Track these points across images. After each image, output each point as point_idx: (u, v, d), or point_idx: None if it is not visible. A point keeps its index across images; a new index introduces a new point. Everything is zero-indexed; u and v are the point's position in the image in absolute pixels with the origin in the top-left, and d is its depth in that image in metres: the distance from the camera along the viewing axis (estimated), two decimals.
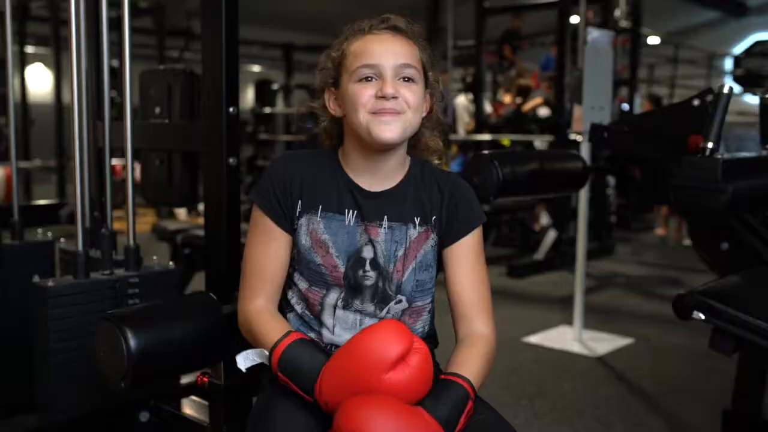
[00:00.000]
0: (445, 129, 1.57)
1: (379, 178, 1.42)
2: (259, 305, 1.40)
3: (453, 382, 1.29)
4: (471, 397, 1.29)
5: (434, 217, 1.43)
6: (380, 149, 1.37)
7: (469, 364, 1.34)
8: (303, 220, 1.40)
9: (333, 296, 1.40)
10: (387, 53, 1.35)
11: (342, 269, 1.39)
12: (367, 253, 1.39)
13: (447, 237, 1.43)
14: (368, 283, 1.39)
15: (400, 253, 1.40)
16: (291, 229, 1.41)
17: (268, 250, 1.42)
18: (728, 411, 2.61)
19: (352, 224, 1.40)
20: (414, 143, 1.48)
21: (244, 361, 1.37)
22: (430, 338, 1.49)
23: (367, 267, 1.39)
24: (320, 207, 1.40)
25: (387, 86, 1.33)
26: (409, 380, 1.20)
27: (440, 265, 1.46)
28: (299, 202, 1.41)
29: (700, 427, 2.94)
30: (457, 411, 1.26)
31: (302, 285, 1.42)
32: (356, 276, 1.39)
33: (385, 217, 1.40)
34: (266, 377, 1.43)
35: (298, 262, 1.42)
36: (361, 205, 1.40)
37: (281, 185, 1.41)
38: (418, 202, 1.43)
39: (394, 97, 1.33)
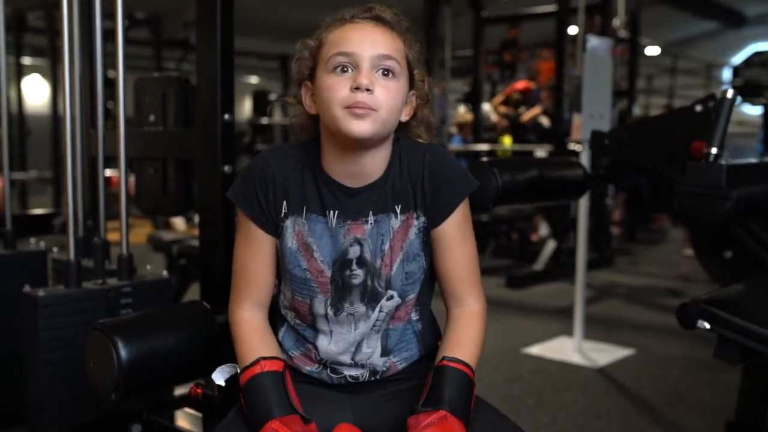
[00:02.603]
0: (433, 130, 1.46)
1: (361, 176, 1.31)
2: (244, 315, 1.35)
3: (460, 372, 1.27)
4: (474, 384, 1.28)
5: (418, 201, 1.32)
6: (355, 146, 1.26)
7: (468, 347, 1.31)
8: (288, 222, 1.32)
9: (320, 303, 1.32)
10: (365, 42, 1.24)
11: (328, 274, 1.31)
12: (354, 252, 1.31)
13: (433, 218, 1.33)
14: (356, 281, 1.31)
15: (386, 246, 1.31)
16: (275, 232, 1.33)
17: (252, 252, 1.34)
18: (732, 422, 2.58)
19: (334, 226, 1.31)
20: None
21: (221, 375, 1.35)
22: (427, 324, 1.42)
23: (354, 266, 1.31)
24: (305, 208, 1.31)
25: (362, 76, 1.21)
26: None
27: (429, 248, 1.37)
28: (284, 203, 1.31)
29: None
30: (468, 402, 1.25)
31: (288, 294, 1.36)
32: (344, 277, 1.31)
33: (370, 212, 1.31)
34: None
35: (282, 268, 1.35)
36: (343, 204, 1.31)
37: (263, 185, 1.31)
38: (400, 189, 1.32)
39: (368, 90, 1.21)
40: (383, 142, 1.29)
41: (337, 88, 1.22)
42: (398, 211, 1.32)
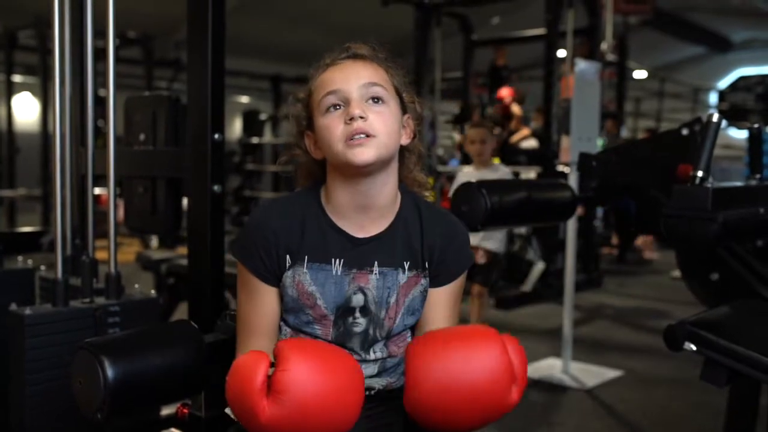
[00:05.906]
0: (426, 161, 1.51)
1: (368, 221, 1.35)
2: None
3: None
4: None
5: (427, 262, 1.38)
6: (362, 175, 1.30)
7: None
8: (289, 273, 1.34)
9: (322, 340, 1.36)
10: (349, 76, 1.31)
11: (331, 318, 1.35)
12: (357, 301, 1.35)
13: (435, 280, 1.39)
14: (358, 330, 1.36)
15: (392, 299, 1.35)
16: (277, 283, 1.36)
17: (256, 307, 1.37)
18: None
19: (339, 273, 1.34)
20: (400, 177, 1.41)
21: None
22: None
23: (357, 314, 1.35)
24: (306, 258, 1.34)
25: (352, 107, 1.27)
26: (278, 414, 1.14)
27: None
28: (287, 257, 1.34)
29: None
30: None
31: (289, 329, 1.40)
32: (346, 323, 1.35)
33: (376, 262, 1.35)
34: None
35: (286, 308, 1.38)
36: (349, 253, 1.34)
37: (265, 243, 1.34)
38: (409, 246, 1.37)
39: (362, 117, 1.26)
40: (387, 167, 1.33)
41: (334, 126, 1.28)
42: (406, 267, 1.36)
